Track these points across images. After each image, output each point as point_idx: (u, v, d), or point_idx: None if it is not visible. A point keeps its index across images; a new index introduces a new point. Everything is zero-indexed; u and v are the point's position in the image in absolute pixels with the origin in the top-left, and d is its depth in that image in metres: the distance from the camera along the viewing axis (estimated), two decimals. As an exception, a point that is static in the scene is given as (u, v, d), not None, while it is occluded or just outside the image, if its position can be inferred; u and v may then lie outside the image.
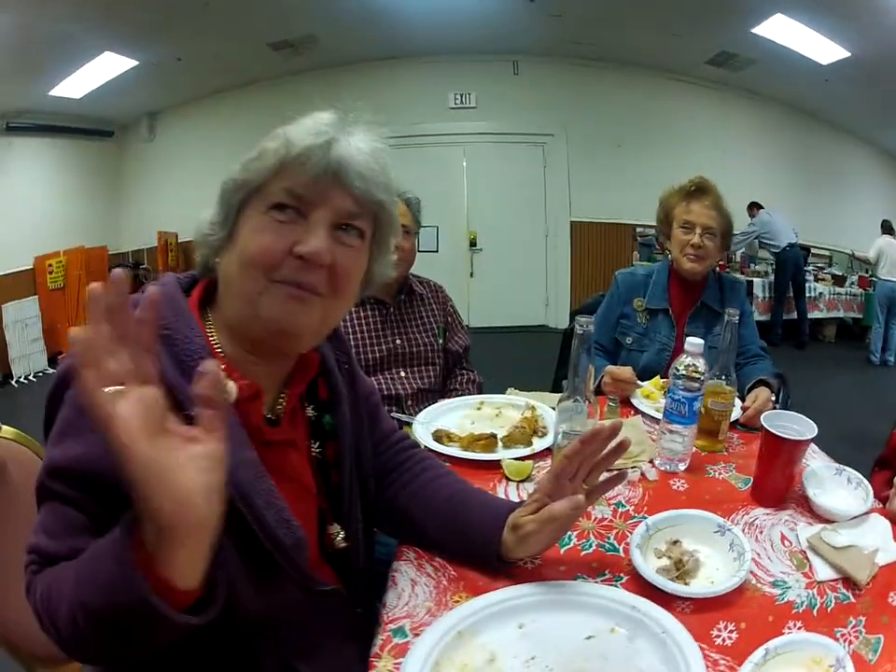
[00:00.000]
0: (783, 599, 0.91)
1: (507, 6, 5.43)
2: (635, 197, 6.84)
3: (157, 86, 6.08)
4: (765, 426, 1.19)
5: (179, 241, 6.75)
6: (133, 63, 5.47)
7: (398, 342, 1.85)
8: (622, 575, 0.94)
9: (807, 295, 7.02)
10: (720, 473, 1.32)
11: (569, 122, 6.82)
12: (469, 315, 6.45)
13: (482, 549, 0.91)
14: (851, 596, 0.92)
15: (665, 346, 1.93)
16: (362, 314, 1.81)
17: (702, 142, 7.42)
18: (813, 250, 7.84)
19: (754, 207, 6.85)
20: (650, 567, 0.92)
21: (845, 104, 7.25)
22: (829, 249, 8.23)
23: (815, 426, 1.19)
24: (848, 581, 0.93)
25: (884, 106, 6.75)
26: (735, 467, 1.34)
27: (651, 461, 1.33)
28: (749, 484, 1.24)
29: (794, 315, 6.97)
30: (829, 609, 0.89)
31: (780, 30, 5.41)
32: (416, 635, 0.80)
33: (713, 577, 0.94)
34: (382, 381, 1.79)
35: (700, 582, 0.92)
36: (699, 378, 1.29)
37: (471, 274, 6.97)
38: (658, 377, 1.72)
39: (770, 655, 0.74)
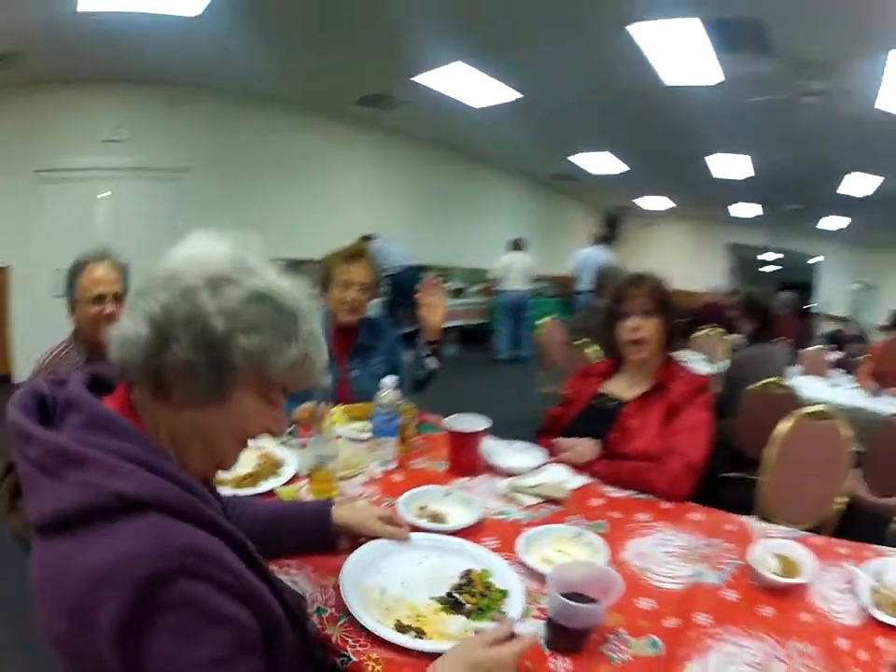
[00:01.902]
0: (510, 519, 1.66)
1: (171, 32, 5.47)
2: (270, 233, 7.38)
3: None
4: (451, 427, 1.92)
5: None
6: None
7: None
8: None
9: (426, 308, 8.27)
10: (419, 464, 2.00)
11: (216, 159, 7.43)
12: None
13: (322, 533, 1.40)
14: (559, 507, 1.72)
15: (333, 380, 2.50)
16: None
17: (339, 178, 8.82)
18: (431, 268, 9.45)
19: (365, 239, 7.93)
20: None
21: (492, 140, 9.06)
22: (446, 267, 10.08)
23: (487, 419, 1.95)
24: (551, 501, 1.73)
25: (534, 140, 8.83)
26: (428, 458, 2.06)
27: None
28: (445, 467, 1.96)
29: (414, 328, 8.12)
30: (545, 517, 1.66)
31: (445, 77, 6.43)
32: (331, 606, 1.21)
33: (460, 520, 1.61)
34: None
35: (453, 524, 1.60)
36: (399, 405, 2.00)
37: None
38: (336, 406, 2.31)
39: (530, 541, 1.46)
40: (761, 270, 23.71)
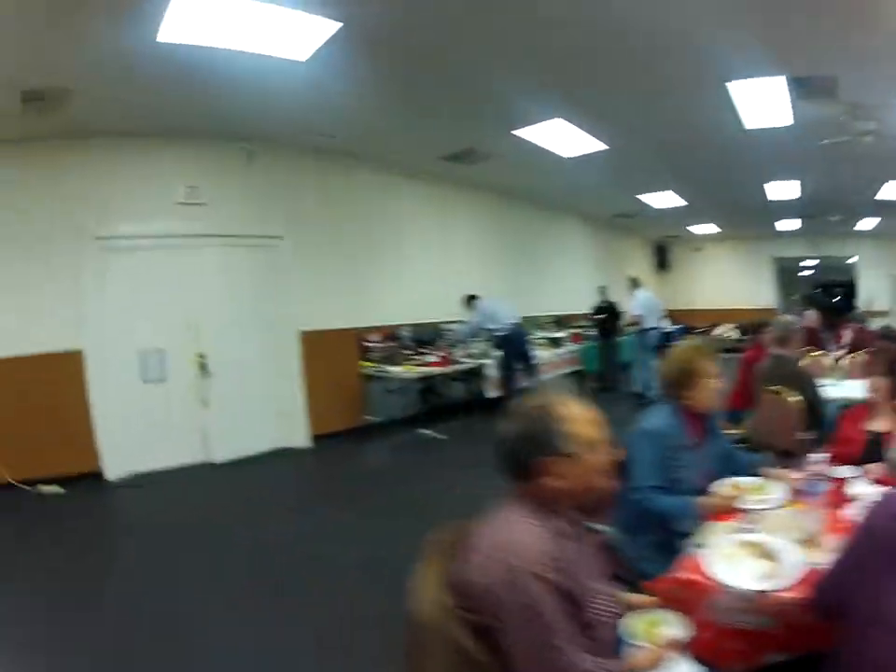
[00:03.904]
0: None
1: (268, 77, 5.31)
2: (361, 299, 8.00)
3: None
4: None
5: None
6: None
7: None
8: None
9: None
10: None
11: (300, 222, 7.41)
12: (210, 449, 6.60)
13: None
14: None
15: (694, 463, 2.69)
16: None
17: (425, 237, 9.07)
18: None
19: (471, 299, 8.63)
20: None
21: (570, 187, 10.10)
22: (537, 316, 10.80)
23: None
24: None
25: (610, 184, 10.10)
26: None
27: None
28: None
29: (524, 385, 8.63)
30: None
31: (543, 131, 7.09)
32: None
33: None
34: None
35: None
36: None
37: (205, 403, 6.66)
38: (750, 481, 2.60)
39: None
40: (800, 275, 25.50)
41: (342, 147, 7.45)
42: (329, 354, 7.48)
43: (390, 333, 8.04)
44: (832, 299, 25.19)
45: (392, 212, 8.52)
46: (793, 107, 6.40)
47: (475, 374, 8.63)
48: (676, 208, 12.28)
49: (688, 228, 15.65)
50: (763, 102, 6.30)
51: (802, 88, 5.91)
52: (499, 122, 6.86)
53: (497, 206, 10.57)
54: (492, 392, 8.37)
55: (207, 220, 6.63)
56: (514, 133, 7.11)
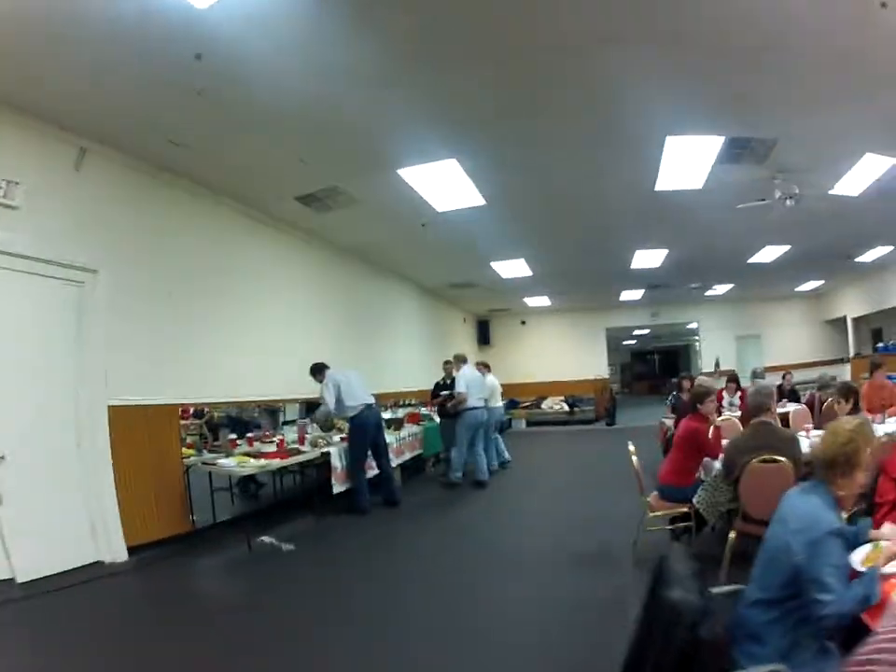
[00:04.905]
0: None
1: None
2: (190, 367, 6.29)
3: None
4: None
5: None
6: None
7: None
8: None
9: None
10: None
11: (123, 256, 5.62)
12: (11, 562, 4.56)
13: None
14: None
15: None
16: None
17: (273, 287, 7.86)
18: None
19: (318, 369, 7.25)
20: None
21: (421, 248, 9.58)
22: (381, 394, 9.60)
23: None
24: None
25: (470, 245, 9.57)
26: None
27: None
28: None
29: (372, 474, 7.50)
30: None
31: (421, 174, 6.54)
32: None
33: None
34: None
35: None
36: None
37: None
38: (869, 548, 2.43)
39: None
40: (625, 343, 26.96)
41: (190, 165, 5.93)
42: (146, 437, 5.65)
43: (201, 412, 6.39)
44: (649, 366, 28.28)
45: (233, 257, 7.01)
46: (713, 170, 6.48)
47: (315, 465, 6.97)
48: (517, 279, 12.09)
49: (517, 301, 15.73)
50: (686, 162, 6.30)
51: (737, 149, 5.98)
52: (379, 157, 5.93)
53: (340, 264, 9.55)
54: (337, 486, 6.83)
55: (18, 232, 4.65)
56: (399, 171, 6.25)
